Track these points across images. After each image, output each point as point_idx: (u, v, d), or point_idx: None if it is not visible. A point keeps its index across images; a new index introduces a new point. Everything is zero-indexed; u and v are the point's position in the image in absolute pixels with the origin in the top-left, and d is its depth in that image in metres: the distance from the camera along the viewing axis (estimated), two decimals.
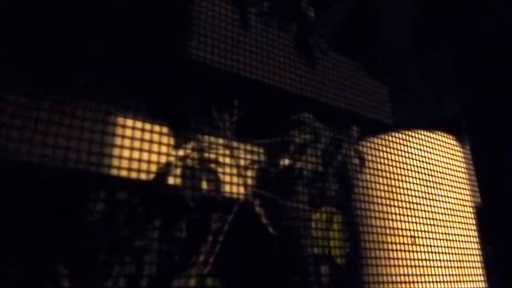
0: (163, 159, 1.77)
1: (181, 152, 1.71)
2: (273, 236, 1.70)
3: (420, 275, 1.61)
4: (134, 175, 1.77)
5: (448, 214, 1.70)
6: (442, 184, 1.74)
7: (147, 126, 1.82)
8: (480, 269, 1.71)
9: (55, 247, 1.94)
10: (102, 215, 1.85)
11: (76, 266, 1.85)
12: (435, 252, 1.64)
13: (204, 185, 1.68)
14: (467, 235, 1.72)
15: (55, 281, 1.83)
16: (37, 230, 1.96)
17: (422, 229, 1.64)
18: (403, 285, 1.62)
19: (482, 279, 1.69)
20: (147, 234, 1.82)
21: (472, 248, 1.72)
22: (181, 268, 1.68)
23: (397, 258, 1.62)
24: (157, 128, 1.83)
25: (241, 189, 1.80)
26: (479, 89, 2.08)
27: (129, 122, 1.80)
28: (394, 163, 1.75)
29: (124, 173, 1.76)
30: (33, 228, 1.94)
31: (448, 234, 1.68)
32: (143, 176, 1.77)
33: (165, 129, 1.85)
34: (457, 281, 1.62)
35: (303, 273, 1.67)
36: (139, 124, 1.81)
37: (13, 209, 1.96)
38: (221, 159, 1.75)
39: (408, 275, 1.64)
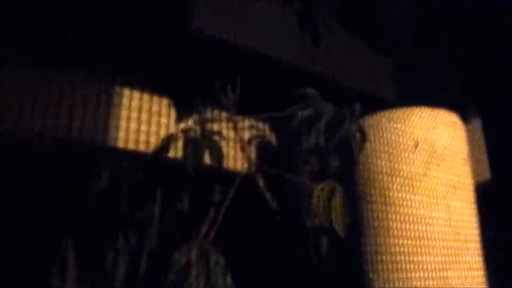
0: (166, 131, 1.77)
1: (183, 125, 1.71)
2: (274, 210, 1.71)
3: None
4: (137, 147, 1.77)
5: (449, 186, 1.71)
6: (444, 159, 1.75)
7: (150, 98, 1.82)
8: (479, 244, 1.73)
9: (60, 219, 1.95)
10: (105, 187, 1.85)
11: (80, 237, 1.86)
12: (435, 225, 1.65)
13: (207, 157, 1.68)
14: (467, 207, 1.73)
15: (61, 251, 1.84)
16: (42, 201, 1.97)
17: (423, 201, 1.66)
18: (402, 256, 1.64)
19: (480, 253, 1.71)
20: (149, 207, 1.83)
21: (472, 222, 1.73)
22: (182, 240, 1.69)
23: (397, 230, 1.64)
24: (160, 100, 1.83)
25: (244, 163, 1.81)
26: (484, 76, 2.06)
27: (133, 94, 1.80)
28: (395, 138, 1.75)
29: (127, 145, 1.77)
30: (39, 199, 1.95)
31: (448, 205, 1.69)
32: (145, 148, 1.77)
33: (168, 102, 1.85)
34: (455, 255, 1.64)
35: (304, 245, 1.69)
36: (142, 96, 1.81)
37: (19, 181, 1.97)
38: (223, 132, 1.75)
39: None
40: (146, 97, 1.80)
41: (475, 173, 1.94)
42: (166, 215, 1.80)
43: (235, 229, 1.76)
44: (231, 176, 1.78)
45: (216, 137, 1.62)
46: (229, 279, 1.48)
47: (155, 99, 1.82)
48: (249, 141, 1.86)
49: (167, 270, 1.65)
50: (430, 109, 1.81)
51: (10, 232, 1.98)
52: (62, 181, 1.90)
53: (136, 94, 1.79)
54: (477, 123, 2.02)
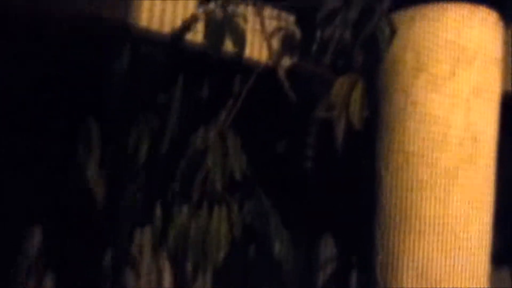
0: (188, 12, 1.72)
1: (206, 6, 1.66)
2: (292, 101, 1.73)
3: None
4: (158, 28, 1.75)
5: (474, 89, 1.68)
6: (473, 62, 1.68)
7: None
8: (494, 147, 1.73)
9: (80, 97, 2.01)
10: (126, 69, 1.87)
11: (102, 118, 1.93)
12: (452, 128, 1.65)
13: (229, 43, 1.66)
14: (489, 113, 1.71)
15: (86, 131, 1.91)
16: (61, 81, 2.01)
17: (445, 102, 1.63)
18: (415, 156, 1.67)
19: (494, 155, 1.72)
20: (169, 91, 1.86)
21: (491, 127, 1.71)
22: (200, 123, 1.75)
23: None
24: None
25: (266, 52, 1.78)
26: None
27: None
28: (426, 36, 1.68)
29: (148, 26, 1.74)
30: (58, 78, 1.99)
31: (470, 109, 1.67)
32: (167, 29, 1.75)
33: None
34: (469, 157, 1.65)
35: (319, 133, 1.73)
36: None
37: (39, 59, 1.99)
38: (247, 18, 1.70)
39: None
40: None
41: (504, 81, 1.87)
42: (186, 100, 1.83)
43: (253, 117, 1.80)
44: (252, 65, 1.77)
45: (239, 20, 1.58)
46: (244, 161, 1.56)
47: None
48: (273, 31, 1.81)
49: (185, 152, 1.73)
50: (467, 6, 1.69)
51: (35, 114, 2.07)
52: (82, 61, 1.92)
53: None
54: None
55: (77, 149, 1.88)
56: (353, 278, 2.12)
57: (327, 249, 2.27)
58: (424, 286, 1.65)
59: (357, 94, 1.57)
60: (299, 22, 1.85)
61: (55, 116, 2.15)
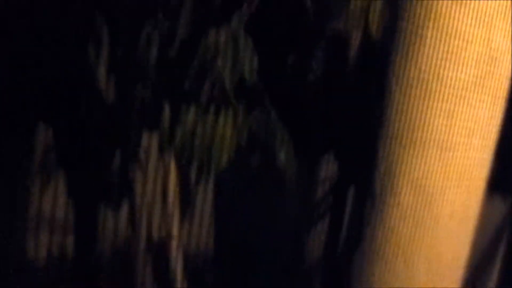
0: None
1: None
2: (308, 8, 1.67)
3: None
4: None
5: (499, 10, 1.61)
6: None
7: None
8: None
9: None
10: None
11: (112, 18, 1.88)
12: (470, 44, 1.61)
13: None
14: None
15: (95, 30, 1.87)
16: None
17: (468, 16, 1.58)
18: (430, 75, 1.64)
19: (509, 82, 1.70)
20: None
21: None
22: (212, 26, 1.71)
23: None
24: None
25: None
26: None
27: None
28: None
29: None
30: None
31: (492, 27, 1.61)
32: None
33: None
34: (483, 77, 1.63)
35: (332, 45, 1.69)
36: None
37: None
38: None
39: None
40: None
41: None
42: (198, 1, 1.77)
43: (266, 23, 1.75)
44: None
45: None
46: (256, 62, 1.54)
47: None
48: None
49: (195, 54, 1.71)
50: None
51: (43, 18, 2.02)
52: None
53: None
54: None
55: (86, 50, 1.86)
56: (351, 193, 2.21)
57: (329, 165, 2.33)
58: (419, 200, 1.71)
59: (377, 3, 1.51)
60: None
61: (63, 18, 2.10)
